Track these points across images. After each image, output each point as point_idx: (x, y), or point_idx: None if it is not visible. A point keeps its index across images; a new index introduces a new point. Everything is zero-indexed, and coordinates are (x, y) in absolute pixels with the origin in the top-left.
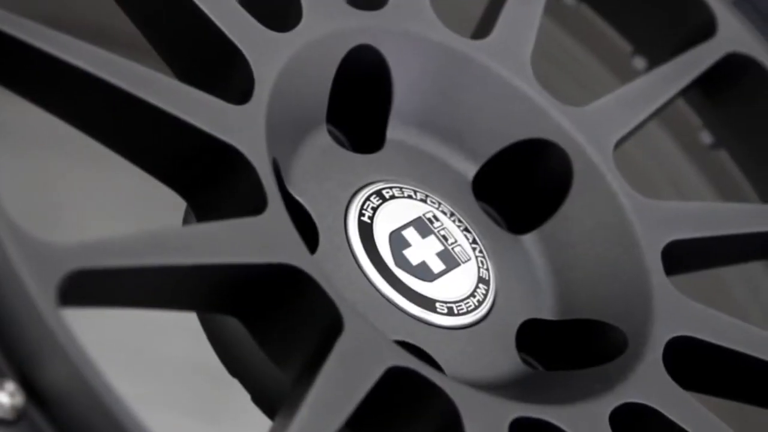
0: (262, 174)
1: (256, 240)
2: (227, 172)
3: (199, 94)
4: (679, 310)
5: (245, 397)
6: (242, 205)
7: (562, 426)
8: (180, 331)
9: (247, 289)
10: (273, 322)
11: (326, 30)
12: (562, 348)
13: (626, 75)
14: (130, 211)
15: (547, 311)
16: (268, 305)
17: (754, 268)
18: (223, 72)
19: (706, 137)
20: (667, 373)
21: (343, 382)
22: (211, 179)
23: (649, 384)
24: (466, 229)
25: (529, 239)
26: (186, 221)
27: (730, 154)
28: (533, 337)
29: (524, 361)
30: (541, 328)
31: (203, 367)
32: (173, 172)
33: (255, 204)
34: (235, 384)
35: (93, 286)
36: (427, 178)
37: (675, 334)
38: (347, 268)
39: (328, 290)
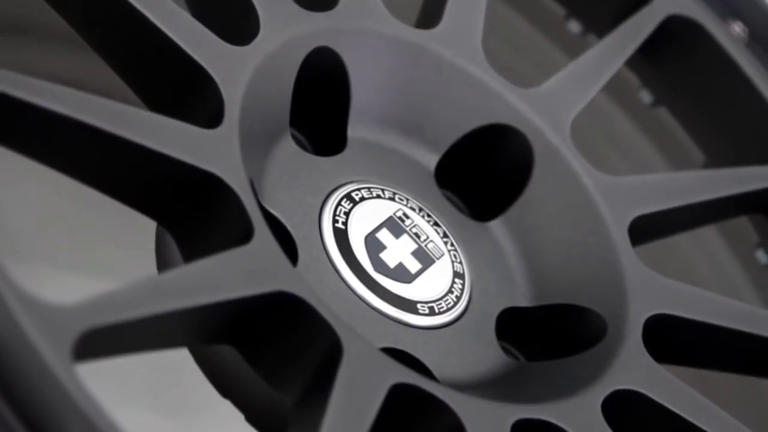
0: (245, 199)
1: (250, 271)
2: (210, 201)
3: (172, 123)
4: (652, 288)
5: (210, 390)
6: (228, 233)
7: (561, 425)
8: None
9: (244, 319)
10: (269, 347)
11: (285, 38)
12: (543, 335)
13: (560, 39)
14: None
15: (522, 298)
16: (264, 331)
17: (715, 243)
18: (190, 93)
19: (645, 96)
20: (646, 351)
21: (354, 407)
22: (194, 208)
23: (633, 369)
24: (435, 224)
25: (495, 226)
26: (159, 242)
27: (671, 111)
28: (513, 326)
29: (507, 351)
30: (519, 316)
31: (165, 361)
32: (156, 204)
33: (241, 230)
34: (198, 377)
35: (103, 341)
36: (391, 174)
37: (651, 313)
38: (329, 279)
39: (324, 314)
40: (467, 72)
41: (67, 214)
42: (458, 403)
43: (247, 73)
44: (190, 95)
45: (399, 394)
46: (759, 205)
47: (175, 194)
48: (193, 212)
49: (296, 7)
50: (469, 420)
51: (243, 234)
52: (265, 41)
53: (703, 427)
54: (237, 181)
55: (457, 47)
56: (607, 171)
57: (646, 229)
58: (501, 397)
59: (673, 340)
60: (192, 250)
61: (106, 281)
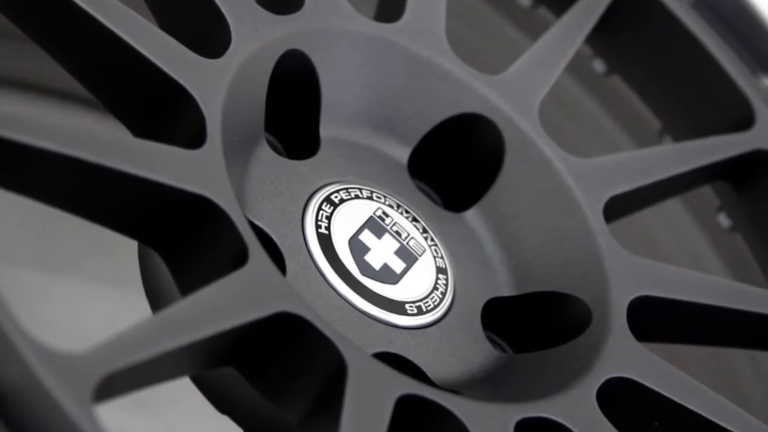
0: (237, 220)
1: (252, 295)
2: (202, 223)
3: (159, 148)
4: (632, 271)
5: (181, 384)
6: (223, 255)
7: (561, 420)
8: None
9: (246, 341)
10: (271, 366)
11: (256, 45)
12: (529, 324)
13: (511, 12)
14: None
15: (504, 287)
16: (266, 351)
17: (675, 208)
18: (169, 111)
19: (599, 65)
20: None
21: (366, 423)
22: (187, 232)
23: (623, 355)
24: (414, 219)
25: (471, 216)
26: (146, 265)
27: (624, 79)
28: (498, 317)
29: (495, 343)
30: (504, 306)
31: None
32: (149, 231)
33: (235, 252)
34: None
35: (118, 383)
36: (366, 171)
37: (634, 296)
38: (318, 287)
39: (326, 332)
40: (434, 63)
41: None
42: (461, 408)
43: (225, 87)
44: (169, 114)
45: (405, 405)
46: (723, 173)
47: (168, 219)
48: (186, 236)
49: (264, 12)
50: (474, 424)
51: (237, 255)
52: (238, 51)
53: (696, 410)
54: (228, 202)
55: (422, 38)
56: (560, 139)
57: (619, 208)
58: (500, 397)
59: (655, 319)
60: (186, 274)
61: (102, 283)
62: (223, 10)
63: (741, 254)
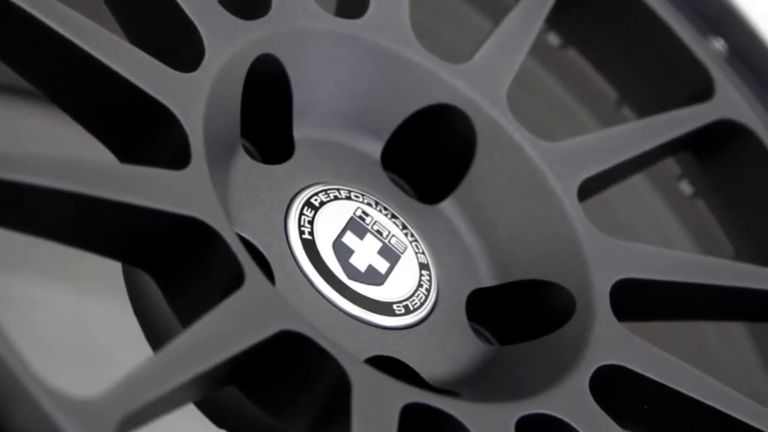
0: (230, 241)
1: (253, 317)
2: (196, 245)
3: (148, 173)
4: (611, 254)
5: None
6: (218, 278)
7: (558, 415)
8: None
9: (250, 361)
10: (274, 383)
11: (229, 54)
12: (514, 315)
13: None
14: None
15: (486, 278)
16: (267, 369)
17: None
18: (152, 130)
19: (554, 38)
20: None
21: None
22: (182, 255)
23: (610, 342)
24: (393, 216)
25: (447, 207)
26: (131, 279)
27: (580, 52)
28: (483, 309)
29: (481, 335)
30: (487, 297)
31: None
32: (144, 255)
33: (231, 273)
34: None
35: (133, 422)
36: (343, 170)
37: (615, 280)
38: (307, 295)
39: (328, 349)
40: (402, 56)
41: None
42: (462, 412)
43: (204, 101)
44: (151, 133)
45: (409, 414)
46: (688, 145)
47: (161, 243)
48: (180, 258)
49: (234, 19)
50: (476, 427)
51: (233, 276)
52: (213, 62)
53: (684, 392)
54: (220, 222)
55: (389, 32)
56: (518, 114)
57: (591, 189)
58: (498, 395)
59: (635, 300)
60: (180, 296)
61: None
62: (194, 19)
63: (703, 220)
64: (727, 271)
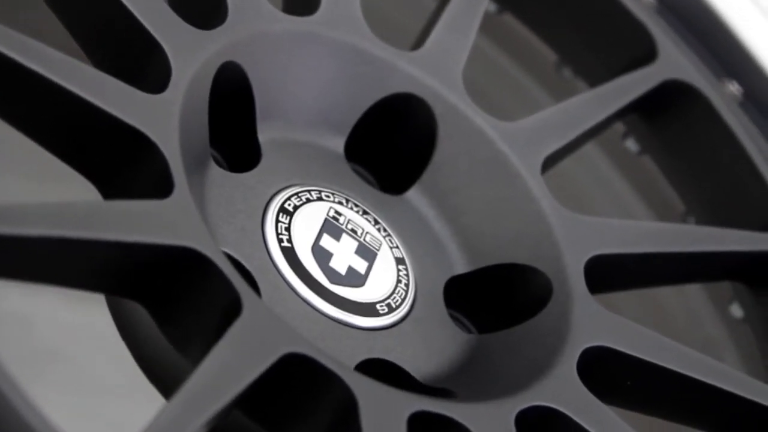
0: (225, 268)
1: (257, 345)
2: (191, 275)
3: (134, 206)
4: (580, 231)
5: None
6: (215, 306)
7: (553, 405)
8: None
9: (257, 386)
10: (278, 403)
11: (194, 68)
12: (492, 301)
13: None
14: None
15: (459, 265)
16: (274, 391)
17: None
18: (131, 158)
19: (490, 5)
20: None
21: None
22: (176, 285)
23: (589, 323)
24: (365, 212)
25: (413, 196)
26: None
27: (517, 17)
28: (459, 296)
29: (463, 325)
30: (463, 284)
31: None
32: (137, 287)
33: (228, 301)
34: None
35: None
36: (310, 170)
37: (587, 257)
38: (293, 305)
39: (332, 367)
40: (357, 48)
41: None
42: (463, 414)
43: (177, 122)
44: (130, 160)
45: (415, 422)
46: (636, 108)
47: (155, 274)
48: (174, 288)
49: (195, 30)
50: (479, 427)
51: (229, 301)
52: (181, 78)
53: (665, 365)
54: (210, 248)
55: (343, 25)
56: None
57: (550, 164)
58: (492, 391)
59: (607, 274)
60: (176, 325)
61: None
62: (157, 37)
63: (651, 178)
64: (690, 236)
